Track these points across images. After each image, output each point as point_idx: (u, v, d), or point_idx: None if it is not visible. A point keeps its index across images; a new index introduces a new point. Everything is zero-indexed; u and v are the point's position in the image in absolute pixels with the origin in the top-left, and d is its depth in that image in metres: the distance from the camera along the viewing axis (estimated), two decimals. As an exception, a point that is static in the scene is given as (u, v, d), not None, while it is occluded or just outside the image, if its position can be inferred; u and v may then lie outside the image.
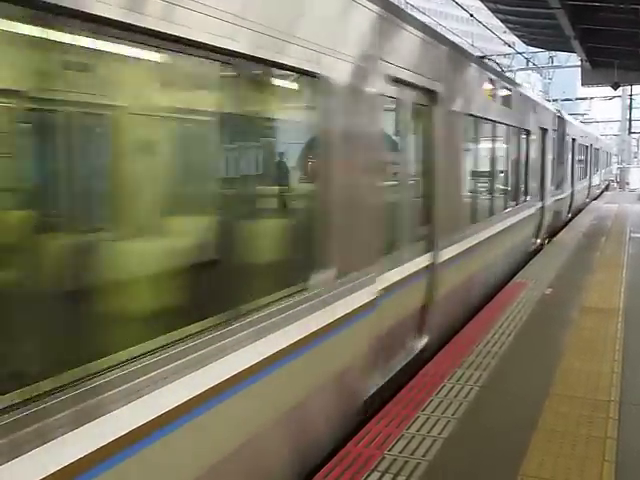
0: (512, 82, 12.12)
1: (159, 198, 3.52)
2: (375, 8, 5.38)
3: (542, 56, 34.50)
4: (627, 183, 44.52)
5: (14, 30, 2.50)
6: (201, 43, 3.28)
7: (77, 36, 2.72)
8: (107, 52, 2.97)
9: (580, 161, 23.77)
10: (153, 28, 2.96)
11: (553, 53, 33.26)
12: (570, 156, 19.78)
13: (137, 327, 3.23)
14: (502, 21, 18.74)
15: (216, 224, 3.72)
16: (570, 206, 20.58)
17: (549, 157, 15.15)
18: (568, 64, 32.63)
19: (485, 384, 5.82)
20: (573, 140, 20.40)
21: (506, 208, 11.09)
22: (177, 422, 3.17)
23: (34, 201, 2.76)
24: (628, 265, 11.87)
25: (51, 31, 2.57)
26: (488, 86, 9.44)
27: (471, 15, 20.16)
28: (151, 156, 3.48)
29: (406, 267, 6.19)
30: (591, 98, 48.14)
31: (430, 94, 6.74)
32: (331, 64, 4.57)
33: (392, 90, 5.75)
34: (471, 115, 8.44)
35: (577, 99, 50.27)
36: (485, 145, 9.86)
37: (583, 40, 16.99)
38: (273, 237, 4.42)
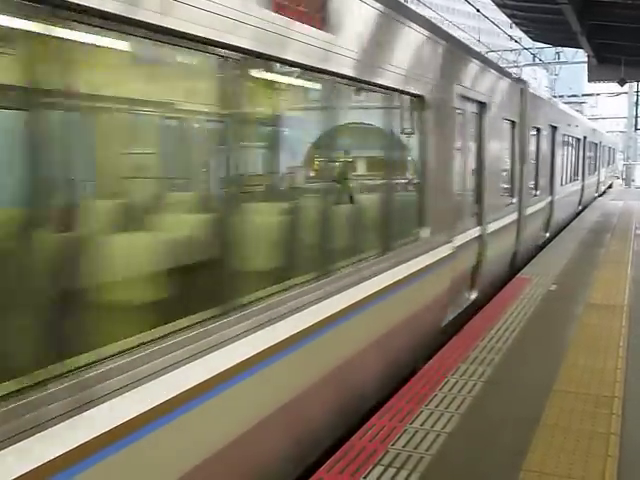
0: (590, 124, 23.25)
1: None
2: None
3: (549, 52, 34.42)
4: (632, 180, 44.43)
5: None
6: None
7: None
8: None
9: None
10: None
11: (560, 49, 33.14)
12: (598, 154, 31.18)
13: None
14: (509, 16, 18.64)
15: None
16: (598, 183, 30.79)
17: (590, 154, 25.31)
18: (575, 60, 32.53)
19: (489, 379, 5.83)
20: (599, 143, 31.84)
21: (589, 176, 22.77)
22: None
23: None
24: (633, 262, 11.85)
25: None
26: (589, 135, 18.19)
27: (477, 10, 20.12)
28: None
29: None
30: (597, 94, 47.96)
31: (584, 139, 15.53)
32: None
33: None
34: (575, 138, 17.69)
35: (583, 95, 50.03)
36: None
37: (590, 36, 16.92)
38: None
